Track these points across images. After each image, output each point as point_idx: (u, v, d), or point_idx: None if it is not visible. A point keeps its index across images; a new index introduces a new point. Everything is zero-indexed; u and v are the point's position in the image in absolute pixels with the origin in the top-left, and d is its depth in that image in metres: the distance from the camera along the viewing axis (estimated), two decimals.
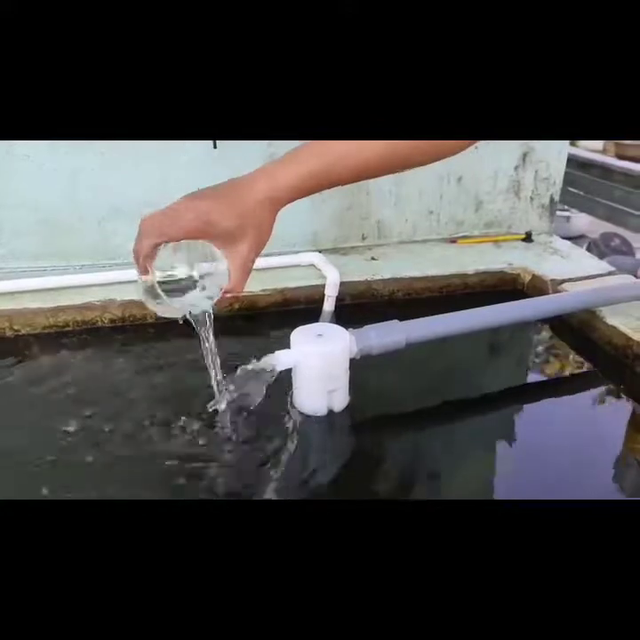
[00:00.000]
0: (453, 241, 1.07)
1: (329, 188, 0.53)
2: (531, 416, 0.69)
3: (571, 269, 0.94)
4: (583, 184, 3.52)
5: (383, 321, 0.65)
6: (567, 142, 1.13)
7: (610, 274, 0.91)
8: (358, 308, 0.89)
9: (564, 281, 0.89)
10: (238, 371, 0.57)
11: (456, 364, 0.77)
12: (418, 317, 0.68)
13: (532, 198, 1.10)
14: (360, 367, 0.63)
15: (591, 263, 0.98)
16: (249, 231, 0.50)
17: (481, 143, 1.01)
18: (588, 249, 2.78)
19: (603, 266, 0.96)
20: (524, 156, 1.05)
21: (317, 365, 0.59)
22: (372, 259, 0.99)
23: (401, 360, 0.66)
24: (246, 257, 0.52)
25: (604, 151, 3.92)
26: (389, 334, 0.63)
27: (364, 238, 1.04)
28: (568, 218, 3.20)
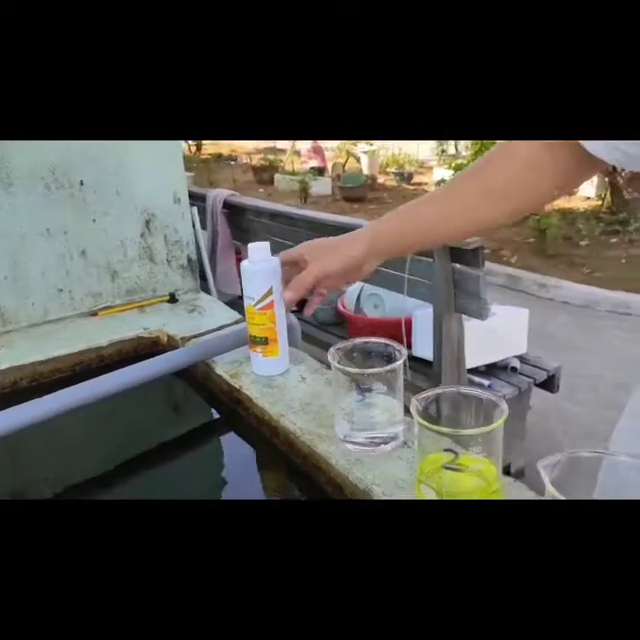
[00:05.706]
0: (95, 314, 1.06)
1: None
2: (170, 473, 0.72)
3: (203, 324, 0.99)
4: (277, 233, 3.83)
5: None
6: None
7: (236, 323, 0.98)
8: None
9: (191, 337, 0.93)
10: None
11: (91, 433, 0.75)
12: None
13: (169, 261, 1.14)
14: None
15: (225, 315, 1.05)
16: None
17: (99, 215, 1.03)
18: None
19: (231, 315, 1.03)
20: (147, 223, 1.09)
21: None
22: None
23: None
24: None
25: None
26: None
27: None
28: None
